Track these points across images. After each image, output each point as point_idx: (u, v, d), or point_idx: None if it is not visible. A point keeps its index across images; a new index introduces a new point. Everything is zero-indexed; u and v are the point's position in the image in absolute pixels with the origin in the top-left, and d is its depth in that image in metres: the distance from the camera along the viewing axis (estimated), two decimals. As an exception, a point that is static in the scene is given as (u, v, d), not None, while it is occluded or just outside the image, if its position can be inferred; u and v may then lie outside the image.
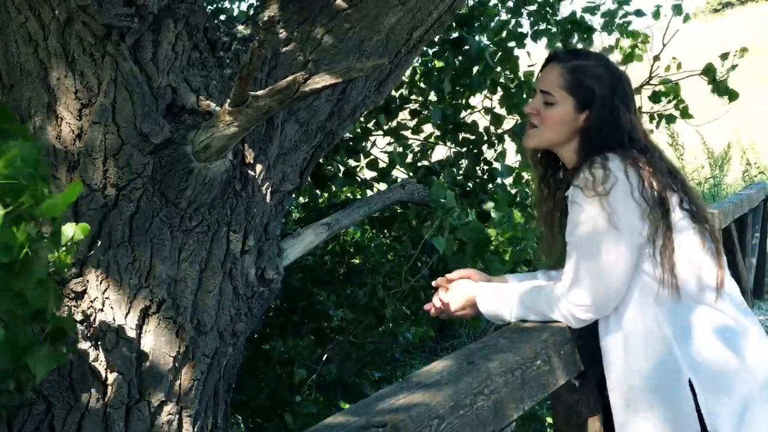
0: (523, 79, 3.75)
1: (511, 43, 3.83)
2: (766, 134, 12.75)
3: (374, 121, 3.68)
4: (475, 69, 3.58)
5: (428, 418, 1.03)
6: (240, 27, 2.13)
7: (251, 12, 2.90)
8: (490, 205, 2.89)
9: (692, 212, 1.54)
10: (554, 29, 3.89)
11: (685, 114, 4.02)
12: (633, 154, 1.53)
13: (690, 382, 1.45)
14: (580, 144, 1.62)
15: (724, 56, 3.99)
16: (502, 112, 3.76)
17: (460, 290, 1.74)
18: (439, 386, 1.11)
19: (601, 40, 4.44)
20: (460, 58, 3.61)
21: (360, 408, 1.01)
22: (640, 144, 1.59)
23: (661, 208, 1.49)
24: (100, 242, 1.76)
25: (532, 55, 4.02)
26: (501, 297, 1.66)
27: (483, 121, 3.83)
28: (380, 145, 3.90)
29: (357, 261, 3.77)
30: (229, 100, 1.66)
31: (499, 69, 3.71)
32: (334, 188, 3.73)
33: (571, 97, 1.61)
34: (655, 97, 4.10)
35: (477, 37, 3.68)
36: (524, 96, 3.63)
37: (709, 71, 3.89)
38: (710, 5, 42.58)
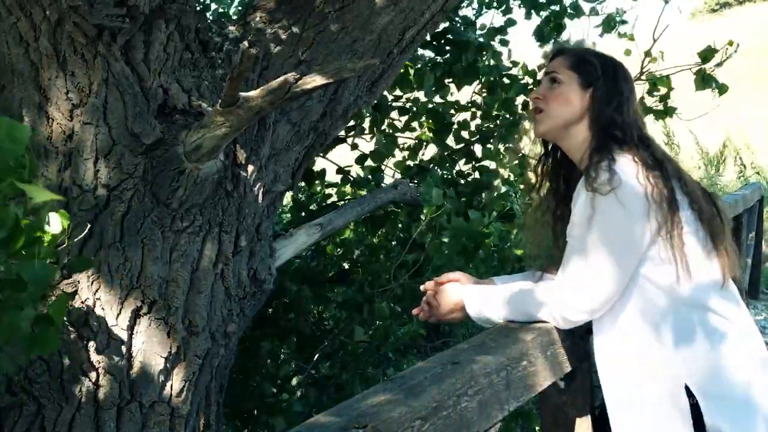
0: (510, 71, 3.77)
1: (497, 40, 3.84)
2: (763, 135, 12.74)
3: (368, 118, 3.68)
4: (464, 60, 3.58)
5: (410, 419, 1.03)
6: (231, 27, 2.13)
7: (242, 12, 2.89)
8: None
9: (696, 213, 1.52)
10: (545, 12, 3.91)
11: (670, 110, 4.03)
12: (639, 152, 1.52)
13: (687, 386, 1.44)
14: (588, 126, 1.62)
15: (713, 51, 3.94)
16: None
17: (448, 294, 1.74)
18: (423, 387, 1.11)
19: (590, 24, 4.42)
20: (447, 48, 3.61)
21: (342, 409, 1.01)
22: (644, 137, 1.59)
23: (669, 210, 1.47)
24: (91, 243, 1.76)
25: (517, 54, 4.04)
26: (489, 300, 1.66)
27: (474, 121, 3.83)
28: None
29: (346, 259, 3.76)
30: (220, 101, 1.66)
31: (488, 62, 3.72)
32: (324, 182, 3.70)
33: (575, 74, 1.66)
34: (650, 91, 4.08)
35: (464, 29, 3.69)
36: (514, 90, 3.66)
37: (701, 70, 3.87)
38: (708, 5, 42.52)
